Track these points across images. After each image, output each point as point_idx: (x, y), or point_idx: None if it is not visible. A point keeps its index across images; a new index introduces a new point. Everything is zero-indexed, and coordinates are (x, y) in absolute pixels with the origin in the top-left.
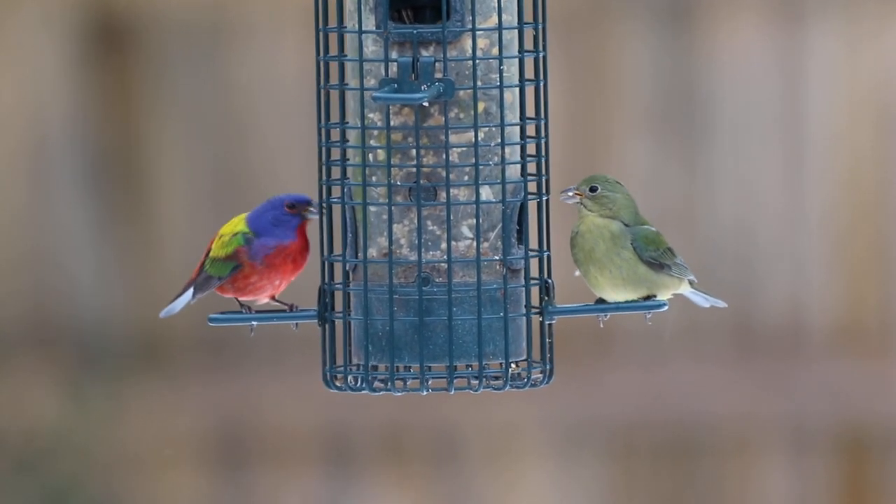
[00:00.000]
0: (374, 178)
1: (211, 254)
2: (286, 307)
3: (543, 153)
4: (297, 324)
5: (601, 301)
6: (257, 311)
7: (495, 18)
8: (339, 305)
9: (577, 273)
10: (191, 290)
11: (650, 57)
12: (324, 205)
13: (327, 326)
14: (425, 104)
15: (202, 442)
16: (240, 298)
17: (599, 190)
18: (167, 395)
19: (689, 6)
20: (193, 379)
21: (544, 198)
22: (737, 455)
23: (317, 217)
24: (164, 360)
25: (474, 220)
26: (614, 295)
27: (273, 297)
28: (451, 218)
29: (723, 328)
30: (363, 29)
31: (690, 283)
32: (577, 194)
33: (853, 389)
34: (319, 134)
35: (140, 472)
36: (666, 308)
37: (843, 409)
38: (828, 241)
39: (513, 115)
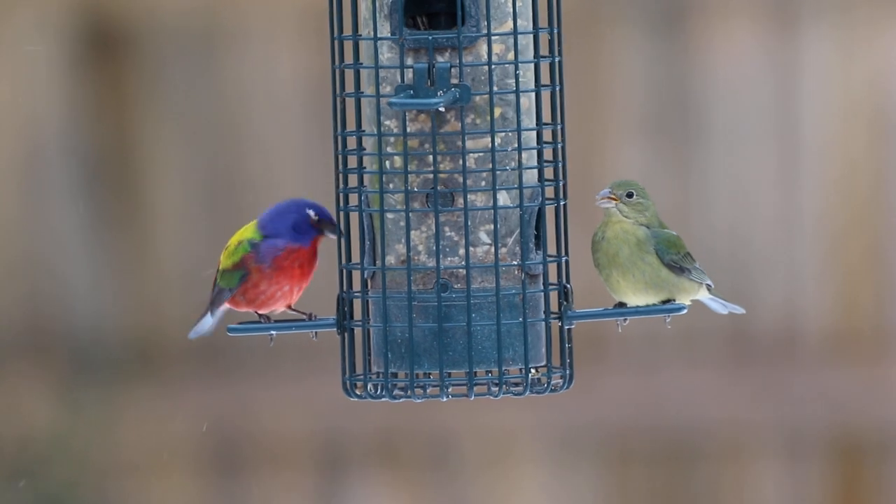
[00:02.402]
0: (391, 185)
1: (220, 266)
2: (305, 316)
3: (560, 158)
4: (315, 333)
5: (620, 305)
6: (276, 321)
7: (510, 23)
8: (357, 313)
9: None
10: (210, 310)
11: (644, 62)
12: (341, 213)
13: (346, 334)
14: (441, 109)
15: (196, 448)
16: (256, 311)
17: (636, 196)
18: (161, 402)
19: (683, 11)
20: (187, 385)
21: (562, 202)
22: (732, 461)
23: (333, 238)
24: (158, 366)
25: (492, 226)
26: (634, 299)
27: (289, 307)
28: (469, 224)
29: (718, 333)
30: (378, 36)
31: (708, 288)
32: (612, 198)
33: (848, 395)
34: (335, 142)
35: (134, 479)
36: (685, 311)
37: (838, 415)
38: (822, 246)
39: (529, 121)
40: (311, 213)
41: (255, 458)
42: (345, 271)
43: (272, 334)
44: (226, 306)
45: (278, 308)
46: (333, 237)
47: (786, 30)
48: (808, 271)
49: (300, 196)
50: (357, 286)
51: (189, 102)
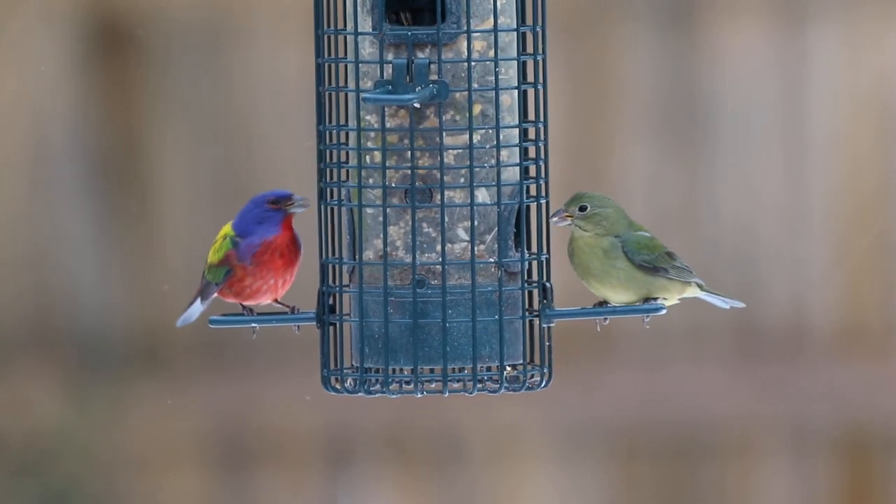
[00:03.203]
0: (370, 180)
1: (207, 260)
2: (288, 309)
3: (542, 156)
4: (298, 326)
5: (600, 304)
6: (259, 314)
7: (492, 21)
8: (340, 308)
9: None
10: (199, 299)
11: (651, 59)
12: (324, 207)
13: (326, 329)
14: (416, 105)
15: (203, 443)
16: (242, 303)
17: (589, 208)
18: (168, 397)
19: (691, 8)
20: (195, 380)
21: (543, 201)
22: (738, 457)
23: (300, 210)
24: (165, 361)
25: (470, 223)
26: (615, 297)
27: (276, 300)
28: (447, 220)
29: (724, 329)
30: (359, 31)
31: (700, 286)
32: (566, 216)
33: (855, 390)
34: (319, 136)
35: (141, 474)
36: (664, 311)
37: (844, 411)
38: (829, 242)
39: (511, 118)
40: (267, 200)
41: (262, 454)
42: (326, 266)
43: (254, 327)
44: (214, 296)
45: (265, 300)
46: (302, 209)
47: (793, 26)
48: (814, 267)
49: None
50: (339, 281)
51: (196, 98)
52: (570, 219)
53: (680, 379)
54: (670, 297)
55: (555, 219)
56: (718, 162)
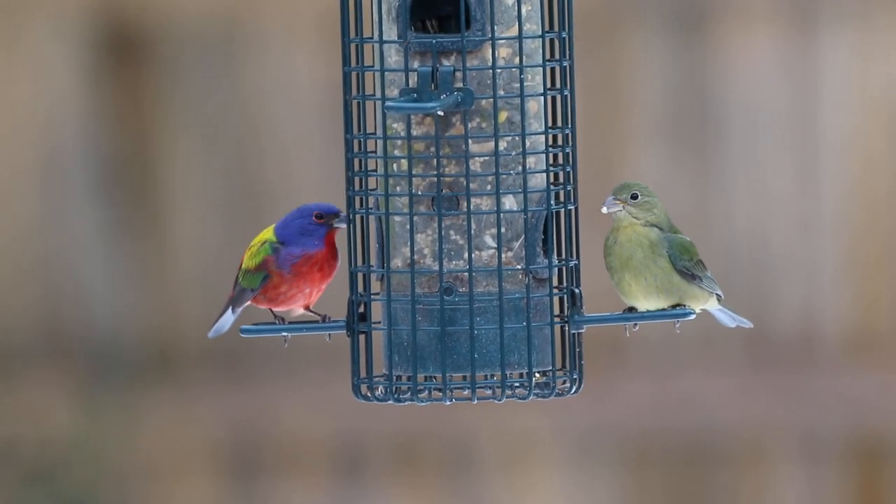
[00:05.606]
0: (397, 189)
1: (243, 265)
2: (319, 318)
3: (570, 162)
4: (329, 335)
5: (630, 310)
6: (290, 322)
7: (517, 28)
8: (369, 316)
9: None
10: (231, 307)
11: (663, 66)
12: (351, 216)
13: (356, 337)
14: (440, 113)
15: (215, 451)
16: (274, 309)
17: (640, 196)
18: (180, 405)
19: (702, 16)
20: (206, 388)
21: (571, 207)
22: (751, 465)
23: (344, 227)
24: (177, 369)
25: (497, 230)
26: (645, 303)
27: (307, 308)
28: (474, 227)
29: (736, 336)
30: (384, 39)
31: (718, 298)
32: (618, 202)
33: (867, 398)
34: (347, 145)
35: (153, 482)
36: (693, 317)
37: (857, 418)
38: (841, 249)
39: (538, 125)
40: (314, 213)
41: (274, 462)
42: (355, 274)
43: (286, 336)
44: (246, 304)
45: (297, 308)
46: (344, 226)
47: (804, 34)
48: (826, 273)
49: (314, 199)
50: (369, 289)
51: (207, 106)
52: (621, 205)
53: (692, 386)
54: (695, 307)
55: (606, 206)
56: (730, 168)
